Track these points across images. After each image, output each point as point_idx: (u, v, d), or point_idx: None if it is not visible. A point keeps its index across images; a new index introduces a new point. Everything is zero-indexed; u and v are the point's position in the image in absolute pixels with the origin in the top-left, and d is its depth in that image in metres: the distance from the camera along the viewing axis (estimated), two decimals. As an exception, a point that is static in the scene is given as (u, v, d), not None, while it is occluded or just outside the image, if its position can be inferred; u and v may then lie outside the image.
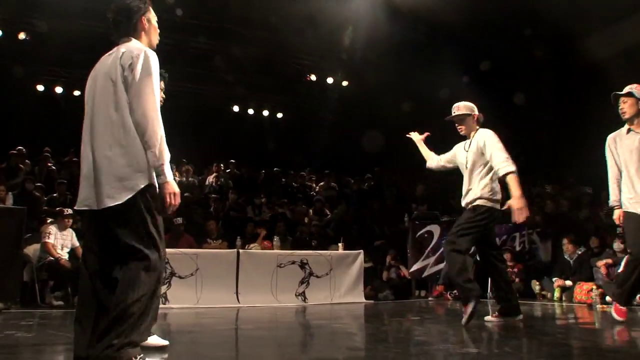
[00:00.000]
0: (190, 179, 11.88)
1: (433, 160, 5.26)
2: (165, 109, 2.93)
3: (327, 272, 7.99)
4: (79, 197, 2.75)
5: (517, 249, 9.43)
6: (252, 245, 8.39)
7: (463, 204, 4.84)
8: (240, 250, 7.55)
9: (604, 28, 10.66)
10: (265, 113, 14.71)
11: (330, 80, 13.71)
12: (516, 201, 4.29)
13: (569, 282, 7.94)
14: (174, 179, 2.82)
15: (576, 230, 9.09)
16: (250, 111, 14.49)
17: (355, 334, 4.85)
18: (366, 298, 8.26)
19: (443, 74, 11.36)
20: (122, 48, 2.78)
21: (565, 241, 8.27)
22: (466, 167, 4.82)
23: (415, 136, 5.37)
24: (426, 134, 5.36)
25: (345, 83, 13.90)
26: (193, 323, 5.51)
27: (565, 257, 8.30)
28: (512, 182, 4.37)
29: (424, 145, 5.35)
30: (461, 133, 4.95)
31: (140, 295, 2.57)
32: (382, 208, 11.86)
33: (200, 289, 7.00)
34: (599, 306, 6.54)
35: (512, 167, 4.42)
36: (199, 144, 12.65)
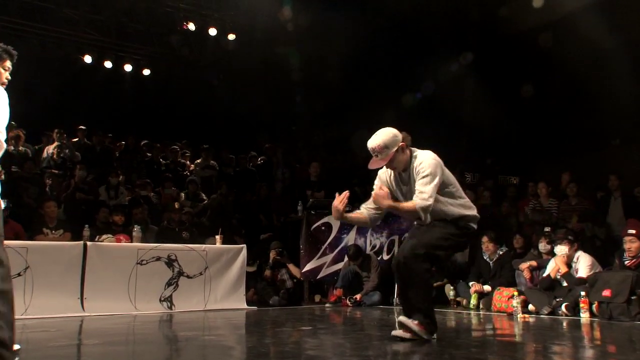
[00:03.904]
0: (21, 148, 11.23)
1: (369, 220, 5.00)
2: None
3: (200, 272, 7.96)
4: None
5: (430, 247, 9.79)
6: (104, 236, 8.10)
7: None
8: (88, 243, 7.32)
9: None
10: (128, 68, 14.17)
11: (213, 31, 13.45)
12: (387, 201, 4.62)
13: (487, 287, 8.36)
14: None
15: (498, 226, 9.57)
16: (108, 64, 13.89)
17: (232, 348, 4.83)
18: (249, 304, 8.28)
19: (357, 26, 11.54)
20: None
21: (484, 239, 8.68)
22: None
23: (338, 211, 4.90)
24: (345, 198, 4.85)
25: (232, 36, 13.69)
26: (17, 340, 5.19)
27: (485, 257, 8.73)
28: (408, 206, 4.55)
29: (352, 216, 5.09)
30: (396, 172, 4.78)
31: None
32: (270, 194, 11.89)
33: (30, 293, 6.70)
34: (520, 315, 6.91)
35: (427, 204, 4.45)
36: (35, 102, 11.94)
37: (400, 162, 4.65)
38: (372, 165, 4.66)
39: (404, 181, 4.74)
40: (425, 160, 4.57)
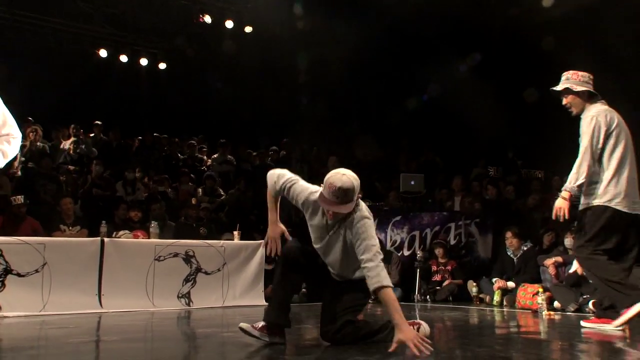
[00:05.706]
0: (38, 144, 11.33)
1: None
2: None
3: (219, 268, 7.99)
4: None
5: (452, 242, 9.77)
6: (121, 232, 8.15)
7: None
8: (106, 239, 7.36)
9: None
10: (144, 62, 14.25)
11: (229, 24, 13.46)
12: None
13: (511, 284, 8.31)
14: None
15: (522, 221, 9.50)
16: (124, 58, 13.97)
17: (251, 345, 4.82)
18: (267, 300, 8.29)
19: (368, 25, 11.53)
20: None
21: (508, 234, 8.63)
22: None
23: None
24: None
25: (249, 29, 13.69)
26: (36, 336, 5.28)
27: (508, 253, 8.67)
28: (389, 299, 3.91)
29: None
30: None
31: None
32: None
33: (48, 290, 6.74)
34: (545, 313, 6.87)
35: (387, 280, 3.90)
36: (51, 97, 12.03)
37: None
38: (337, 210, 3.93)
39: (329, 228, 4.16)
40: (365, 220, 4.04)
